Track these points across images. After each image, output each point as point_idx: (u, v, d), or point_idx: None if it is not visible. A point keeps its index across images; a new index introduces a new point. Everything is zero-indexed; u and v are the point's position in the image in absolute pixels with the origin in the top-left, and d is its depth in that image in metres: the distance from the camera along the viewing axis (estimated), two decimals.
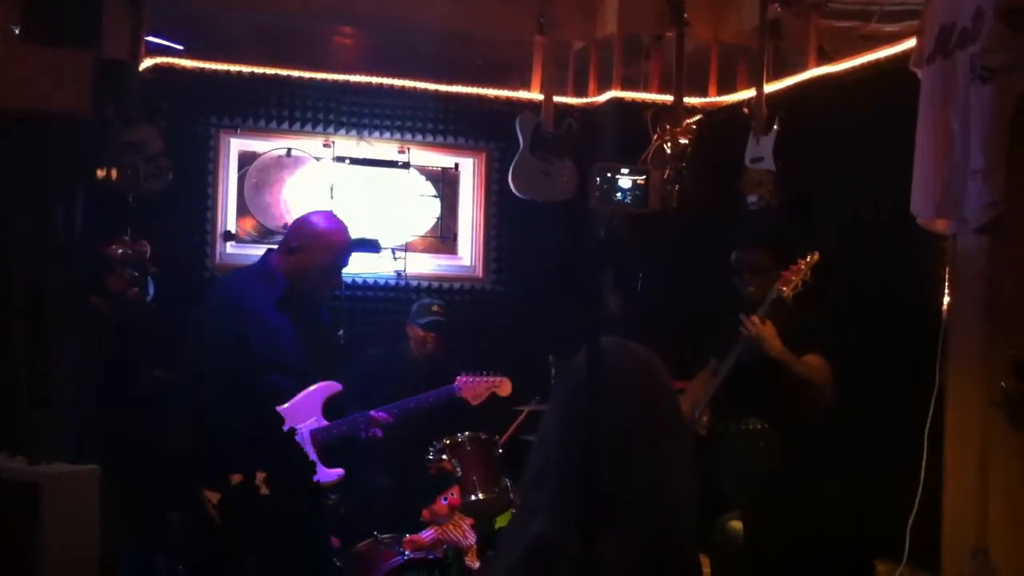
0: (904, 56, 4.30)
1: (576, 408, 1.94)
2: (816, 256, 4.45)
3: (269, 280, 4.39)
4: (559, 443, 2.01)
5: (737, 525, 4.34)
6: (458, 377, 4.94)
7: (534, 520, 1.99)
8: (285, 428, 3.99)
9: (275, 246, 4.62)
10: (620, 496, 1.91)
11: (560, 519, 1.93)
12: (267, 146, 5.86)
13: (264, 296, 4.34)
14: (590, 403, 1.83)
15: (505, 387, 5.00)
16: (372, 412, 4.54)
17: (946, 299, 4.08)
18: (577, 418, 1.90)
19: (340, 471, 4.37)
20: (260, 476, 3.77)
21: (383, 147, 6.01)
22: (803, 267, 4.43)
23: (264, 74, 5.81)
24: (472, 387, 4.93)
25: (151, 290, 5.05)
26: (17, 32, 5.26)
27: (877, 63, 4.84)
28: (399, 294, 5.95)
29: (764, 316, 4.40)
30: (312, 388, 4.37)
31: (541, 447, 2.07)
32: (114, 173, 5.08)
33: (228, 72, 5.73)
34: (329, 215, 4.61)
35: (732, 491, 4.45)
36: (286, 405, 4.27)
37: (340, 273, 4.53)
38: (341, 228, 4.50)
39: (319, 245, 4.41)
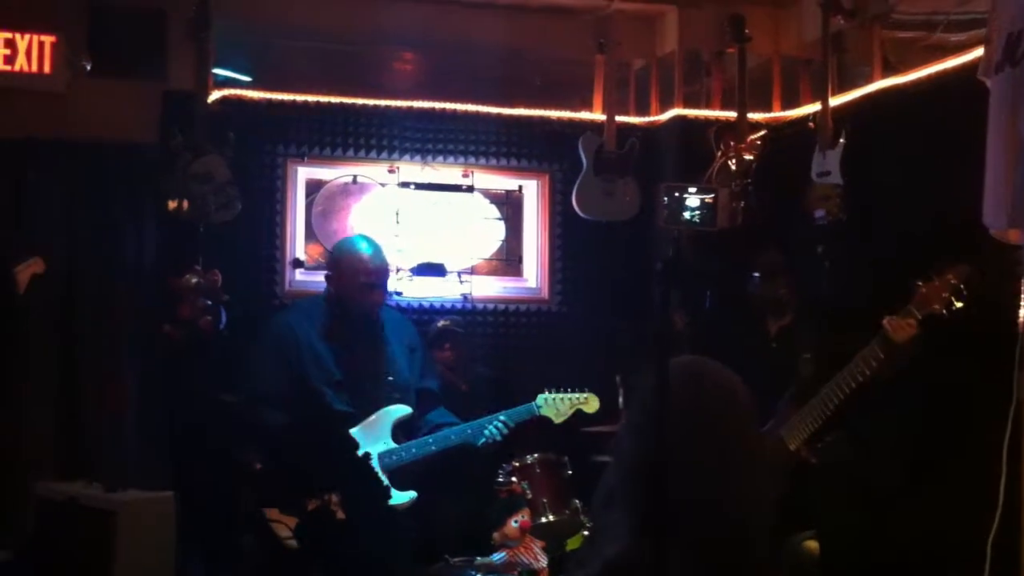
0: (971, 66, 4.23)
1: (648, 427, 1.93)
2: (967, 270, 3.99)
3: (320, 308, 4.61)
4: (631, 463, 2.00)
5: (812, 544, 4.28)
6: (540, 394, 4.69)
7: (608, 542, 1.98)
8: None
9: None
10: (692, 516, 1.89)
11: (633, 540, 1.92)
12: (333, 174, 5.92)
13: (313, 323, 4.53)
14: (662, 422, 1.82)
15: (592, 403, 4.74)
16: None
17: (1022, 311, 4.01)
18: (649, 437, 1.89)
19: (412, 494, 4.38)
20: (335, 500, 3.80)
21: (447, 171, 6.04)
22: (952, 280, 4.01)
23: (328, 103, 5.87)
24: (555, 404, 4.67)
25: (223, 318, 5.13)
26: (88, 68, 5.40)
27: (944, 73, 4.77)
28: (466, 317, 5.95)
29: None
30: (381, 412, 4.40)
31: (614, 467, 2.06)
32: (184, 204, 5.17)
33: (294, 102, 5.81)
34: (356, 239, 4.72)
35: (808, 509, 4.38)
36: (355, 429, 4.31)
37: (374, 292, 4.56)
38: (361, 248, 4.60)
39: (345, 269, 4.56)
